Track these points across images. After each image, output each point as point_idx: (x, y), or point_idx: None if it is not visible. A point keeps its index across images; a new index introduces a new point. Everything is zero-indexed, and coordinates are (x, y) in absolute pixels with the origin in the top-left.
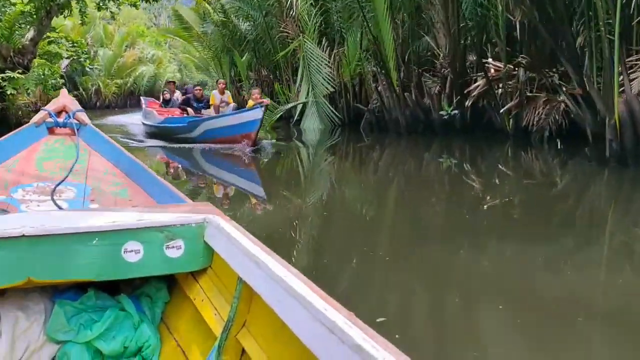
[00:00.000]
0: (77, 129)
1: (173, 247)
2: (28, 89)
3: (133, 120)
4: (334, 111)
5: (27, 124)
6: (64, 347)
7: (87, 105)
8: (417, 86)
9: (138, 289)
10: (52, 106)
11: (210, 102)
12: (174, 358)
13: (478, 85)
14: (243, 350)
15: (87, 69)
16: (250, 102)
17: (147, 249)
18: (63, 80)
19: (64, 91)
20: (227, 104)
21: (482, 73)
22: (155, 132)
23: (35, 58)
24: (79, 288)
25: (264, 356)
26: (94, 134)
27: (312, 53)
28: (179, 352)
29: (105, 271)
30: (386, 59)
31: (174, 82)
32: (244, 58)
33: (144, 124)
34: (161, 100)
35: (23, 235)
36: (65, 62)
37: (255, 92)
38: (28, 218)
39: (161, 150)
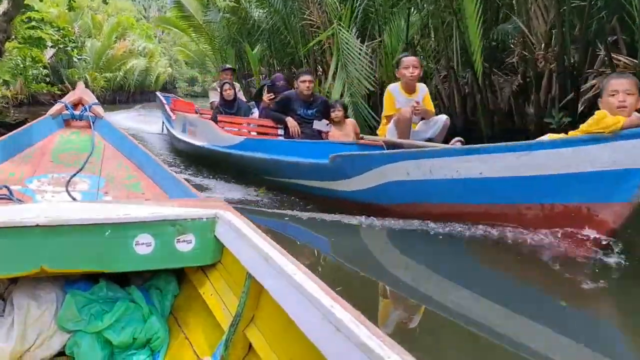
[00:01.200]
0: (93, 122)
1: (184, 241)
2: (0, 79)
3: (138, 124)
4: (374, 115)
5: (43, 116)
6: (74, 336)
7: None
8: (490, 86)
9: (148, 281)
10: (68, 98)
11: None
12: (182, 351)
13: (592, 86)
14: (250, 345)
15: (75, 61)
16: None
17: (158, 242)
18: (47, 71)
19: (80, 84)
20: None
21: (594, 70)
22: (219, 163)
23: (9, 39)
24: (90, 278)
25: (271, 352)
26: (109, 128)
27: (348, 44)
28: (187, 345)
29: (117, 263)
30: (469, 47)
31: (232, 70)
32: (255, 50)
33: (177, 140)
34: (219, 99)
35: (37, 225)
36: (50, 51)
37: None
38: (42, 208)
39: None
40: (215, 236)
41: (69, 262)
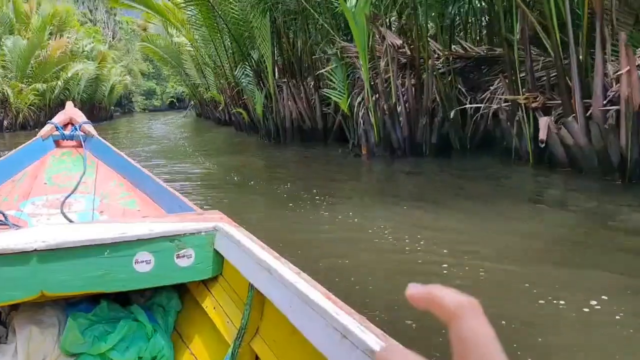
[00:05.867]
0: (84, 141)
1: (184, 256)
2: None
3: None
4: None
5: (34, 138)
6: (78, 359)
7: None
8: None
9: (150, 299)
10: (58, 119)
11: None
12: None
13: None
14: (257, 357)
15: None
16: None
17: (157, 259)
18: None
19: (69, 103)
20: None
21: None
22: None
23: None
24: (92, 300)
25: None
26: (101, 146)
27: None
28: None
29: (117, 282)
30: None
31: None
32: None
33: None
34: None
35: (34, 250)
36: None
37: None
38: (39, 232)
39: None
40: (215, 249)
41: (69, 285)
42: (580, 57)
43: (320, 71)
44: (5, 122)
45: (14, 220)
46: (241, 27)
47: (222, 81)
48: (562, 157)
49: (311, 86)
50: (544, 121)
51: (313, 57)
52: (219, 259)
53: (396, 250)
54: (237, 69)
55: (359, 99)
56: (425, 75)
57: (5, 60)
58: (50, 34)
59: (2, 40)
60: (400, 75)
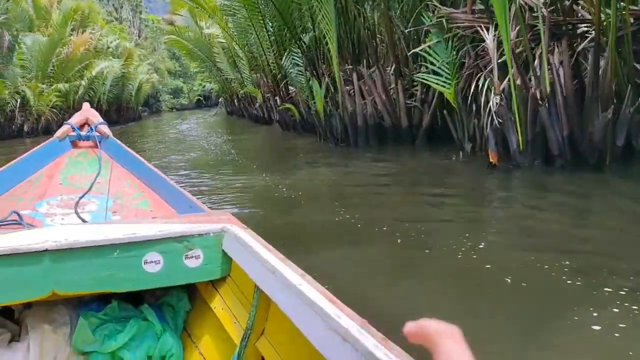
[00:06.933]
0: (99, 142)
1: (192, 257)
2: None
3: None
4: None
5: (51, 139)
6: (89, 357)
7: (3, 133)
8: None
9: (160, 298)
10: (74, 119)
11: None
12: None
13: None
14: (262, 358)
15: None
16: None
17: (167, 259)
18: None
19: (86, 105)
20: None
21: None
22: None
23: None
24: (103, 299)
25: None
26: (116, 147)
27: None
28: None
29: (127, 282)
30: None
31: None
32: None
33: None
34: None
35: (46, 250)
36: None
37: None
38: (51, 232)
39: None
40: (223, 250)
41: (80, 284)
42: None
43: (415, 50)
44: (25, 127)
45: (29, 220)
46: (291, 3)
47: (260, 74)
48: None
49: (390, 73)
50: None
51: (394, 34)
52: (227, 260)
53: None
54: (284, 57)
55: (478, 85)
56: (608, 45)
57: (24, 60)
58: (72, 30)
59: (20, 37)
60: (554, 48)
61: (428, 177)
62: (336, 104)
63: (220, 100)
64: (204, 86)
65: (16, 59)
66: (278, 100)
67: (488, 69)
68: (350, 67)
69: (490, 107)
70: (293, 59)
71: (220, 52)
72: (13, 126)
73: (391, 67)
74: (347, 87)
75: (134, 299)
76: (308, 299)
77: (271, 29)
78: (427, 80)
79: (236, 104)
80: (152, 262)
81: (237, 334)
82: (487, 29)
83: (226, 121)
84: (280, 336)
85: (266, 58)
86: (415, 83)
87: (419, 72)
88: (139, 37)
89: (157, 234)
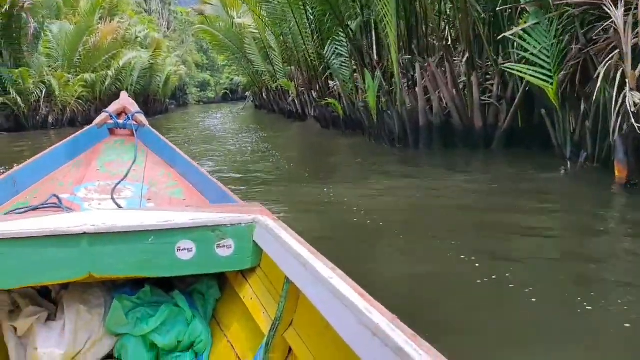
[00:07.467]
0: (136, 130)
1: (224, 246)
2: None
3: None
4: None
5: (89, 126)
6: (122, 339)
7: (27, 125)
8: None
9: (191, 285)
10: (112, 108)
11: None
12: (224, 353)
13: None
14: (290, 349)
15: (24, 53)
16: None
17: (199, 247)
18: None
19: (124, 93)
20: None
21: None
22: None
23: None
24: (136, 283)
25: (310, 355)
26: (152, 136)
27: None
28: (229, 348)
29: (160, 268)
30: None
31: None
32: None
33: None
34: None
35: (85, 233)
36: None
37: None
38: (89, 217)
39: None
40: (254, 241)
41: (115, 268)
42: None
43: (506, 34)
44: (50, 118)
45: (67, 204)
46: None
47: (295, 66)
48: None
49: (462, 64)
50: None
51: (468, 17)
52: (258, 251)
53: None
54: (327, 46)
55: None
56: None
57: (49, 48)
58: (100, 18)
59: (47, 25)
60: None
61: (530, 197)
62: (392, 99)
63: (247, 93)
64: (231, 79)
65: (42, 47)
66: (314, 95)
67: (610, 56)
68: (409, 56)
69: (619, 106)
70: (336, 48)
71: (251, 43)
72: (37, 117)
73: (462, 56)
74: (403, 80)
75: (166, 284)
76: (339, 292)
77: (311, 16)
78: (519, 71)
79: (265, 97)
80: (185, 249)
81: (266, 324)
82: (615, 3)
83: (255, 116)
84: (308, 328)
85: (305, 48)
86: (488, 76)
87: (502, 63)
88: (168, 29)
89: (190, 222)
